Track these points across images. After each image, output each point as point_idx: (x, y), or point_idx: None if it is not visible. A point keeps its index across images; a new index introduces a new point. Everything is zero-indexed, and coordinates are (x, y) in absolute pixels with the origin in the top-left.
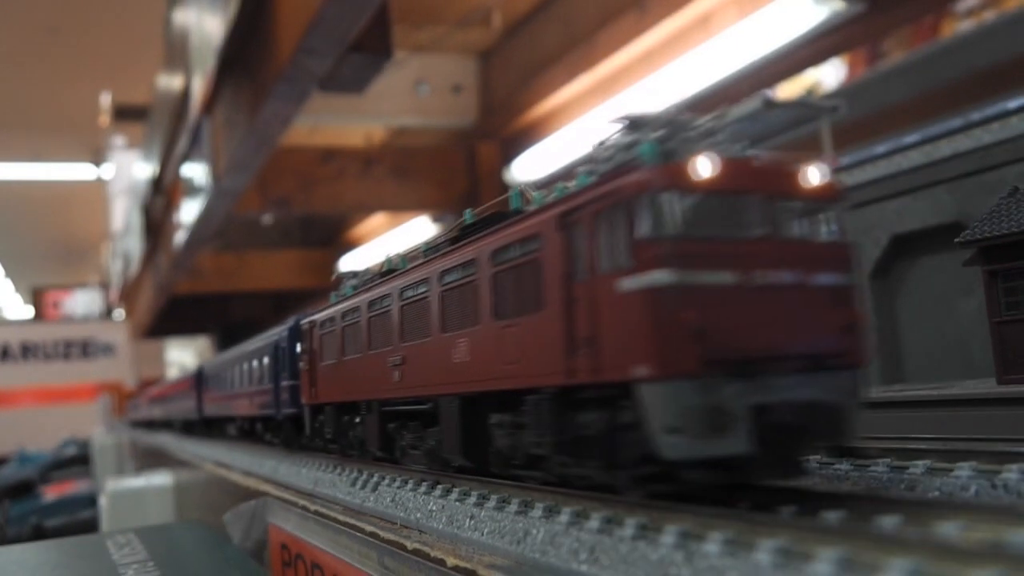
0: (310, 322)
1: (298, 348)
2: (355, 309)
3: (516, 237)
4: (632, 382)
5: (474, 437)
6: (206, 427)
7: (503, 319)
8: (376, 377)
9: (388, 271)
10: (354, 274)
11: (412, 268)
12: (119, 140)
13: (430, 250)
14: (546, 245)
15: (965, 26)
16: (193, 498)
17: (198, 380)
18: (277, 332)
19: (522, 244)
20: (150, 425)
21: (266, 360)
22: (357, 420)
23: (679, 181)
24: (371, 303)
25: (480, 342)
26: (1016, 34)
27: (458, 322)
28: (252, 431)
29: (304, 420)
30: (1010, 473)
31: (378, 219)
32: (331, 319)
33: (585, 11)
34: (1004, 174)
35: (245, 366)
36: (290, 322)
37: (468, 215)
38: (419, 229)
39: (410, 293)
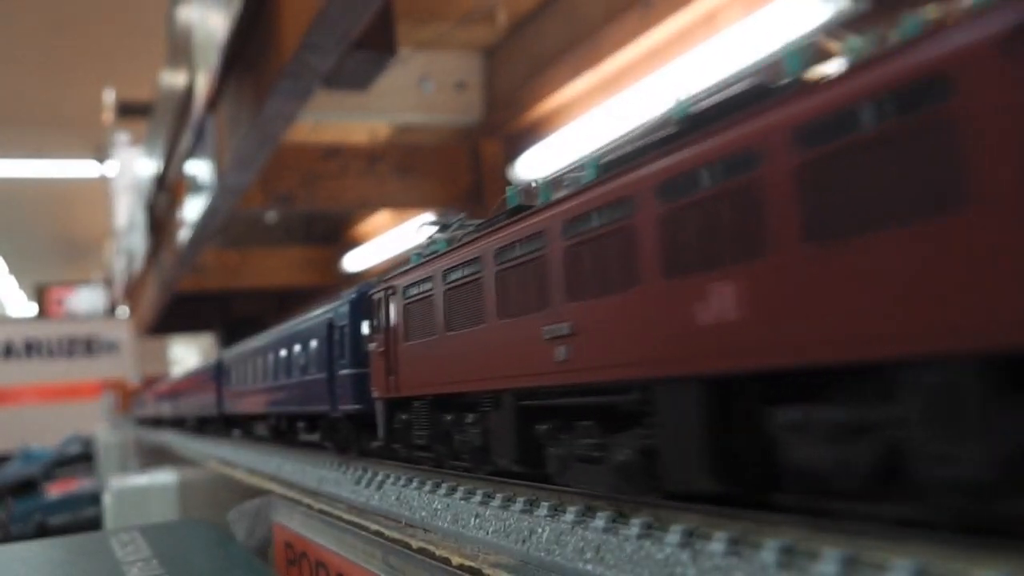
0: (385, 289)
1: (364, 327)
2: (467, 264)
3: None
4: None
5: (743, 447)
6: (226, 425)
7: (839, 239)
8: (512, 357)
9: (518, 209)
10: (456, 221)
11: (583, 191)
12: (122, 137)
13: (624, 157)
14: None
15: None
16: (197, 496)
17: (218, 373)
18: (331, 308)
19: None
20: (157, 423)
21: (314, 344)
22: (471, 420)
23: None
24: (500, 251)
25: (778, 284)
26: None
27: (716, 256)
28: (289, 431)
29: (376, 419)
30: None
31: (382, 216)
32: (421, 283)
33: (589, 8)
34: None
35: (282, 353)
36: (350, 293)
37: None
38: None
39: (585, 227)
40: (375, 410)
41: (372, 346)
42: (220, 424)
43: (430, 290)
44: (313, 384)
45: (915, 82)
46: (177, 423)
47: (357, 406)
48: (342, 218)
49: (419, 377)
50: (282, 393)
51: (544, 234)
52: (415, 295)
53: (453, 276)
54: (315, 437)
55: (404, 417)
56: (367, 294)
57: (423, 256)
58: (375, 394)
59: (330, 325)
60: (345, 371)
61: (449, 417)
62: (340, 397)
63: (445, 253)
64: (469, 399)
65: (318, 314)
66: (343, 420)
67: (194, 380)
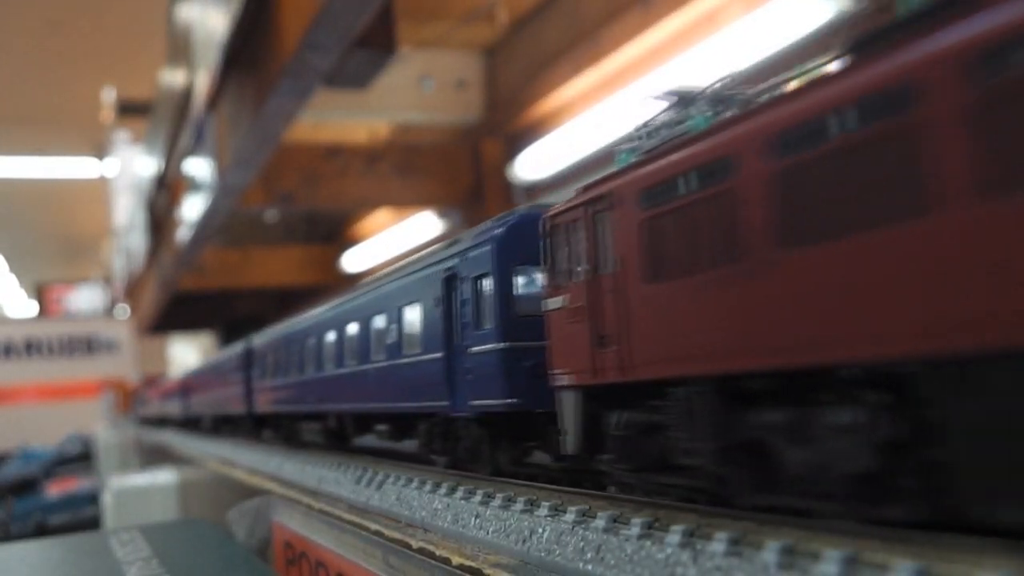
0: (590, 204)
1: (520, 281)
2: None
3: None
4: None
5: None
6: (256, 427)
7: None
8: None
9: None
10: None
11: None
12: (122, 136)
13: None
14: None
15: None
16: (197, 496)
17: (246, 362)
18: (447, 255)
19: None
20: (164, 423)
21: (417, 312)
22: (860, 418)
23: None
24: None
25: None
26: None
27: None
28: (339, 435)
29: (560, 420)
30: None
31: (382, 215)
32: (697, 176)
33: (590, 7)
34: None
35: (352, 330)
36: (491, 227)
37: None
38: (423, 225)
39: None
40: (556, 405)
41: (552, 303)
42: (248, 425)
43: (720, 185)
44: (415, 370)
45: None
46: (188, 424)
47: (506, 400)
48: (342, 217)
49: (691, 342)
50: (352, 385)
51: None
52: (678, 201)
53: (800, 150)
54: (407, 445)
55: (630, 417)
56: (537, 220)
57: (638, 154)
58: (561, 379)
59: (449, 281)
60: (483, 347)
61: (774, 416)
62: (471, 387)
63: (683, 141)
64: (814, 383)
65: (421, 267)
66: (470, 423)
67: (213, 373)
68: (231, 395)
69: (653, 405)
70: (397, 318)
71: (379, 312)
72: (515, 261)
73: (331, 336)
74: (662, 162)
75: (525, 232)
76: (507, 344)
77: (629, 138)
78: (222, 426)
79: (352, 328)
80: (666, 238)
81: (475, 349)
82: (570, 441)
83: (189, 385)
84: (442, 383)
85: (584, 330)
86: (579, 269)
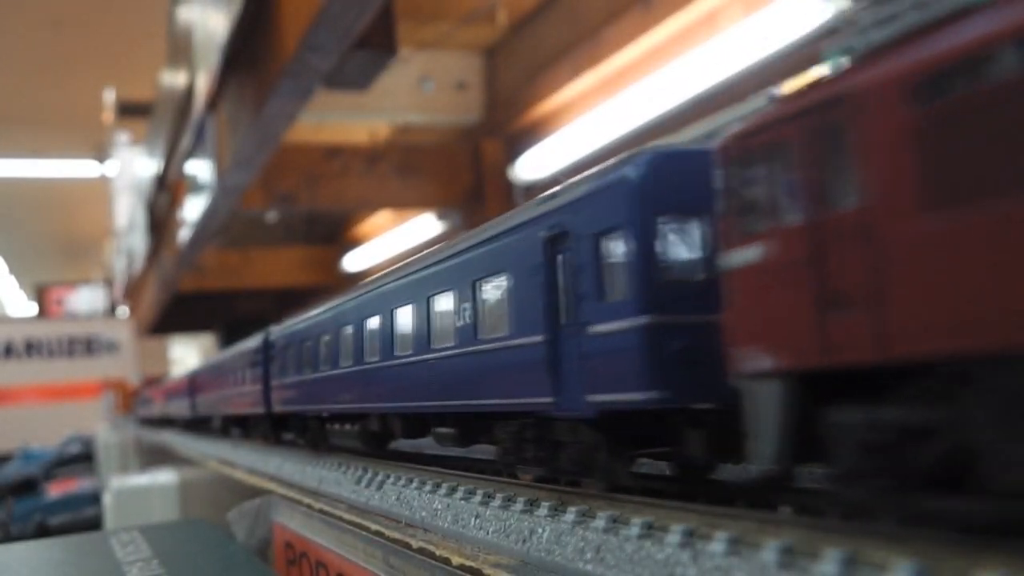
0: (799, 117)
1: (666, 236)
2: None
3: None
4: None
5: None
6: (274, 429)
7: None
8: None
9: None
10: None
11: None
12: (123, 136)
13: None
14: None
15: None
16: (197, 496)
17: (264, 356)
18: (558, 205)
19: None
20: (167, 424)
21: (502, 285)
22: None
23: None
24: None
25: None
26: None
27: None
28: (380, 439)
29: (754, 420)
30: None
31: (382, 216)
32: None
33: (590, 8)
34: None
35: (406, 314)
36: (620, 168)
37: None
38: (423, 226)
39: None
40: (748, 402)
41: (739, 258)
42: (266, 427)
43: None
44: (500, 359)
45: None
46: (195, 425)
47: (648, 394)
48: (342, 218)
49: (1014, 299)
50: (404, 379)
51: None
52: (990, 89)
53: None
54: (478, 451)
55: (883, 415)
56: (677, 157)
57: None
58: (755, 362)
59: (553, 242)
60: (611, 325)
61: None
62: (590, 378)
63: None
64: None
65: (505, 229)
66: (579, 425)
67: (224, 370)
68: (246, 393)
69: (930, 396)
70: (471, 295)
71: (442, 290)
72: (658, 209)
73: (374, 322)
74: (955, 37)
75: (667, 172)
76: (651, 319)
77: (846, 25)
78: (233, 428)
79: (404, 312)
80: (968, 146)
81: (598, 328)
82: (768, 449)
83: (197, 383)
84: (542, 374)
85: (802, 290)
86: (791, 207)
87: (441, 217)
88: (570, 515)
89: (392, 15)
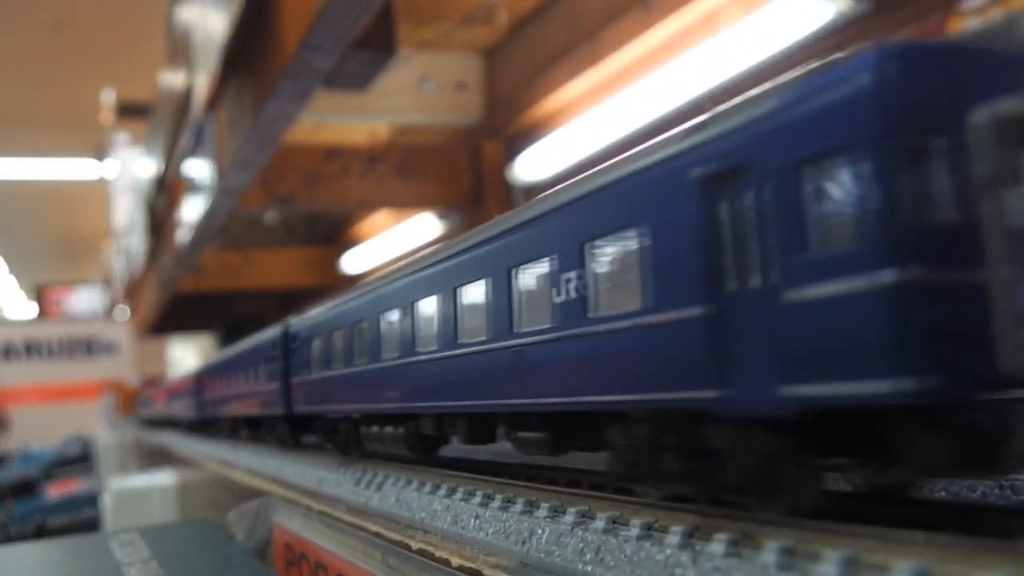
0: None
1: (934, 162)
2: None
3: None
4: None
5: None
6: (293, 431)
7: None
8: None
9: None
10: None
11: None
12: (122, 137)
13: None
14: None
15: (972, 25)
16: (197, 497)
17: (283, 351)
18: (726, 129)
19: None
20: (169, 423)
21: (642, 242)
22: None
23: None
24: None
25: None
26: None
27: None
28: (432, 444)
29: None
30: None
31: (381, 217)
32: None
33: (590, 8)
34: None
35: (476, 292)
36: (844, 67)
37: None
38: (423, 227)
39: None
40: None
41: None
42: (284, 429)
43: None
44: (629, 342)
45: None
46: (200, 427)
47: (903, 382)
48: (342, 219)
49: None
50: (475, 371)
51: None
52: None
53: None
54: (577, 460)
55: None
56: (936, 52)
57: None
58: None
59: (715, 183)
60: (832, 286)
61: None
62: (790, 362)
63: None
64: None
65: (633, 171)
66: (751, 429)
67: (236, 366)
68: (262, 392)
69: None
70: (578, 262)
71: (532, 258)
72: (905, 123)
73: (430, 305)
74: None
75: (915, 74)
76: (905, 274)
77: None
78: (243, 430)
79: (473, 290)
80: None
81: (802, 293)
82: None
83: (204, 382)
84: (700, 359)
85: None
86: None
87: (441, 218)
88: (570, 516)
89: (392, 15)
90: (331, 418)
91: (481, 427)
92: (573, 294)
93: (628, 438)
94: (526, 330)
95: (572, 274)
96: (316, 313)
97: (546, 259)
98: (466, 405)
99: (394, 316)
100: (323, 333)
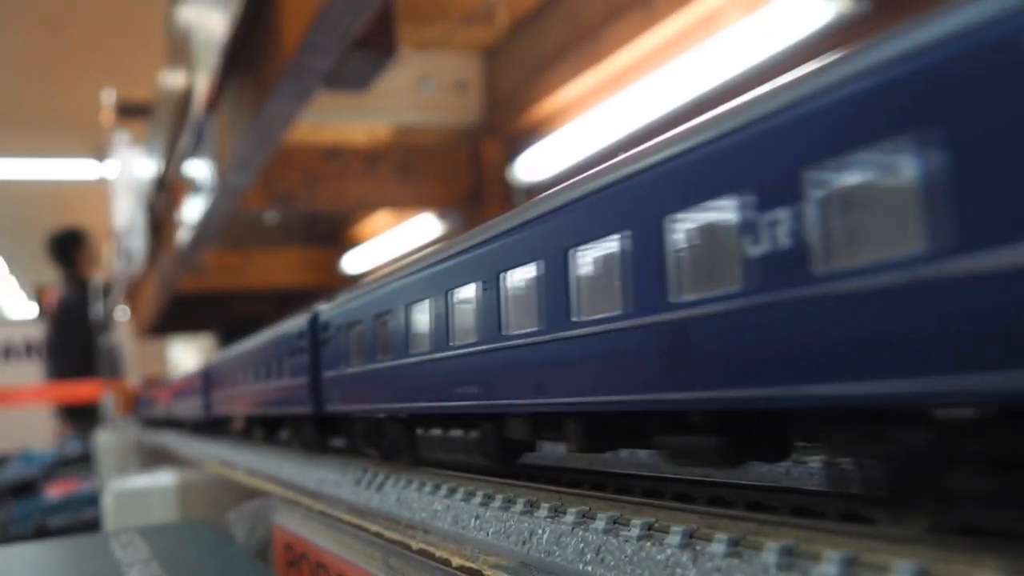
0: None
1: None
2: None
3: None
4: None
5: None
6: (322, 433)
7: None
8: None
9: None
10: None
11: None
12: (122, 137)
13: None
14: None
15: None
16: (197, 497)
17: (311, 341)
18: None
19: None
20: (172, 424)
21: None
22: None
23: None
24: None
25: None
26: None
27: None
28: (515, 449)
29: None
30: None
31: (381, 217)
32: None
33: (590, 8)
34: None
35: (587, 261)
36: None
37: None
38: (423, 227)
39: None
40: None
41: None
42: (310, 431)
43: None
44: (866, 313)
45: None
46: (208, 427)
47: None
48: (342, 219)
49: None
50: (593, 359)
51: None
52: None
53: None
54: (764, 475)
55: None
56: None
57: None
58: None
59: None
60: None
61: None
62: None
63: None
64: None
65: (843, 78)
66: None
67: (252, 361)
68: (284, 389)
69: None
70: (756, 208)
71: (711, 195)
72: None
73: (520, 276)
74: None
75: None
76: None
77: None
78: (256, 430)
79: (585, 258)
80: None
81: None
82: None
83: (214, 379)
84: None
85: None
86: None
87: (441, 218)
88: (570, 516)
89: (392, 16)
90: (372, 419)
91: (599, 431)
92: (785, 242)
93: (883, 447)
94: (692, 299)
95: (784, 213)
96: (354, 295)
97: (742, 194)
98: (586, 403)
99: (468, 292)
100: (365, 320)
